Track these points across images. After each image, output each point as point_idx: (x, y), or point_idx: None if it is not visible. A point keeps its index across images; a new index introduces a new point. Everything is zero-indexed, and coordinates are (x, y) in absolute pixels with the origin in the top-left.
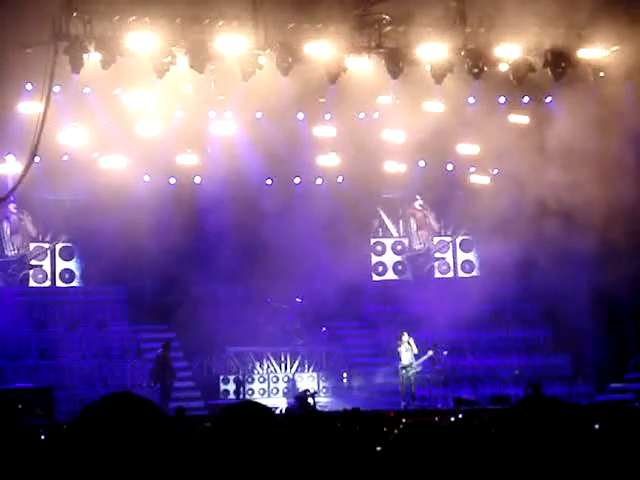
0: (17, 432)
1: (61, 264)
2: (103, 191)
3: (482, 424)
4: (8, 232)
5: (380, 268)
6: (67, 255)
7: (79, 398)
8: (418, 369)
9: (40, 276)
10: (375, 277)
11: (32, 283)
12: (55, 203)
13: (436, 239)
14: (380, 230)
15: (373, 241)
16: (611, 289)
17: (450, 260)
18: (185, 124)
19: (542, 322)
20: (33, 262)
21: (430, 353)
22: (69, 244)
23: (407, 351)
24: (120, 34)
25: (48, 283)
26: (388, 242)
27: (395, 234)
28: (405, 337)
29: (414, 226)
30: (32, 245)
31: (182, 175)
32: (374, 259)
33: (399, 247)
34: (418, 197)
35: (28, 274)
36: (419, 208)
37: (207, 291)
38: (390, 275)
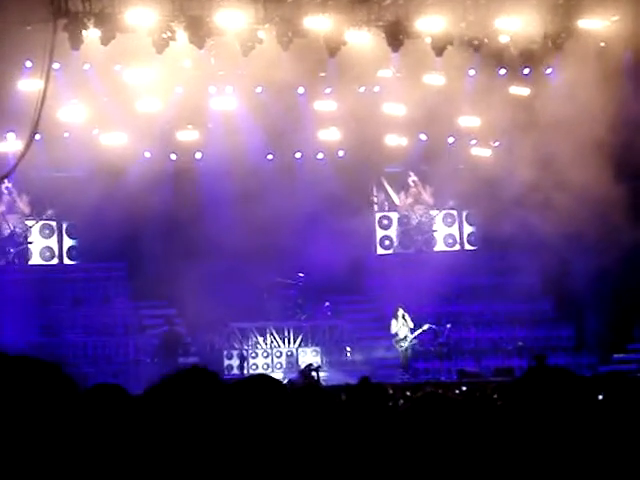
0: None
1: (68, 241)
2: (104, 168)
3: (486, 396)
4: (2, 211)
5: (387, 242)
6: (73, 232)
7: (82, 375)
8: (413, 342)
9: (48, 254)
10: (380, 250)
11: (39, 260)
12: (56, 180)
13: (440, 213)
14: (386, 204)
15: (379, 215)
16: (614, 260)
17: (456, 233)
18: (185, 100)
19: (545, 294)
20: (30, 240)
21: (425, 327)
22: (74, 222)
23: (403, 326)
24: (119, 10)
25: (55, 260)
26: (394, 216)
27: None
28: (400, 312)
29: (408, 201)
30: (29, 223)
31: (183, 151)
32: (380, 233)
33: (405, 220)
34: (411, 173)
35: (24, 251)
36: (412, 184)
37: (208, 267)
38: (396, 249)
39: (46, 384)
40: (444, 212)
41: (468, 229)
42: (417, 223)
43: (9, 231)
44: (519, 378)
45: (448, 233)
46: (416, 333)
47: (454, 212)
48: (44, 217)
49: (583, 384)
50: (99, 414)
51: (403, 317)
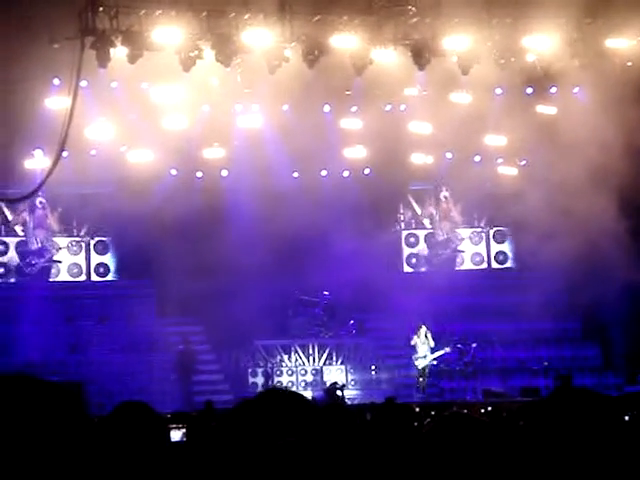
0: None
1: (96, 258)
2: (131, 185)
3: (512, 416)
4: (32, 225)
5: (414, 260)
6: (101, 249)
7: (108, 392)
8: (433, 362)
9: (75, 270)
10: (406, 269)
11: (67, 277)
12: (83, 197)
13: (468, 230)
14: (413, 221)
15: (405, 233)
16: None
17: (483, 251)
18: (212, 117)
19: (571, 313)
20: (55, 257)
21: (447, 349)
22: (103, 238)
23: (423, 344)
24: (146, 28)
25: (83, 277)
26: (421, 234)
27: (429, 226)
28: (423, 330)
29: (437, 217)
30: (57, 240)
31: (209, 168)
32: (407, 250)
33: (432, 239)
34: (444, 188)
35: (48, 267)
36: (443, 199)
37: (234, 284)
38: (422, 267)
39: (43, 404)
40: (472, 230)
41: (495, 247)
42: (444, 240)
43: (36, 246)
44: (544, 398)
45: (475, 251)
46: (436, 354)
47: (481, 230)
48: (74, 234)
49: (609, 404)
50: (126, 431)
51: (425, 335)
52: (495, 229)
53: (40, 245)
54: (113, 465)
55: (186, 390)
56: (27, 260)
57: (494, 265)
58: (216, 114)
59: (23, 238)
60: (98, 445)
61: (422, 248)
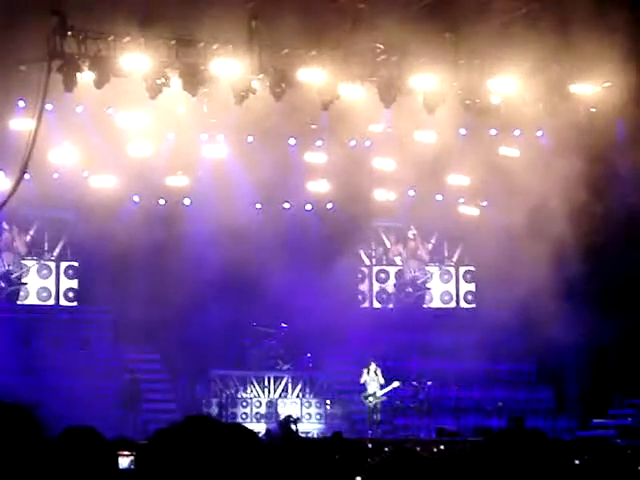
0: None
1: (65, 282)
2: (92, 210)
3: (464, 455)
4: None
5: (384, 295)
6: (71, 274)
7: (59, 417)
8: (382, 399)
9: (44, 294)
10: (364, 304)
11: (35, 301)
12: (43, 221)
13: (436, 268)
14: (384, 257)
15: (376, 269)
16: (597, 324)
17: (452, 290)
18: (176, 146)
19: (527, 355)
20: (23, 280)
21: (396, 384)
22: (74, 263)
23: (373, 381)
24: (114, 54)
25: (52, 301)
26: (392, 270)
27: (399, 262)
28: (372, 367)
29: (405, 255)
30: (26, 263)
31: (172, 196)
32: (376, 286)
33: (382, 275)
34: (412, 227)
35: (16, 291)
36: (411, 237)
37: (191, 313)
38: (376, 304)
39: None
40: (442, 268)
41: (465, 287)
42: (411, 277)
43: (3, 269)
44: (493, 438)
45: (445, 290)
46: (385, 390)
47: (452, 269)
48: (44, 257)
49: (560, 448)
50: (71, 458)
51: (375, 372)
52: (465, 268)
53: (6, 267)
54: None
55: (134, 418)
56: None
57: (462, 305)
58: (181, 142)
59: None
60: (49, 468)
61: (388, 285)
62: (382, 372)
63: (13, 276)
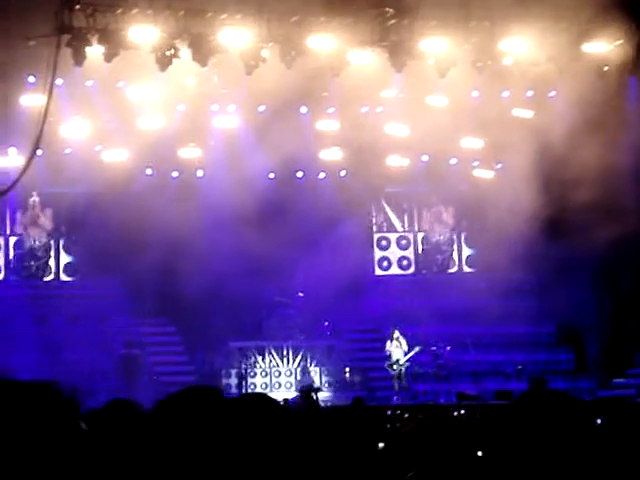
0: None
1: (65, 258)
2: (105, 184)
3: (485, 419)
4: (24, 225)
5: (385, 263)
6: (70, 249)
7: (81, 391)
8: (406, 365)
9: (46, 270)
10: (378, 272)
11: (52, 277)
12: (57, 196)
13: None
14: (385, 225)
15: (377, 236)
16: (615, 283)
17: (455, 255)
18: (187, 117)
19: (545, 317)
20: (40, 255)
21: (416, 349)
22: (72, 237)
23: (397, 347)
24: (123, 27)
25: (52, 277)
26: (392, 237)
27: (400, 229)
28: (396, 334)
29: (430, 219)
30: (45, 238)
31: (184, 168)
32: (378, 254)
33: (404, 242)
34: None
35: (42, 266)
36: (434, 203)
37: (208, 285)
38: (394, 270)
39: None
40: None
41: (466, 251)
42: (436, 242)
43: (30, 245)
44: (517, 401)
45: (467, 255)
46: (408, 356)
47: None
48: (59, 233)
49: (581, 408)
50: (114, 429)
51: (398, 339)
52: (465, 233)
53: (33, 243)
54: (107, 462)
55: (131, 395)
56: (24, 264)
57: (464, 269)
58: (192, 114)
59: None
60: (90, 443)
61: (395, 251)
62: (406, 339)
63: (39, 251)
